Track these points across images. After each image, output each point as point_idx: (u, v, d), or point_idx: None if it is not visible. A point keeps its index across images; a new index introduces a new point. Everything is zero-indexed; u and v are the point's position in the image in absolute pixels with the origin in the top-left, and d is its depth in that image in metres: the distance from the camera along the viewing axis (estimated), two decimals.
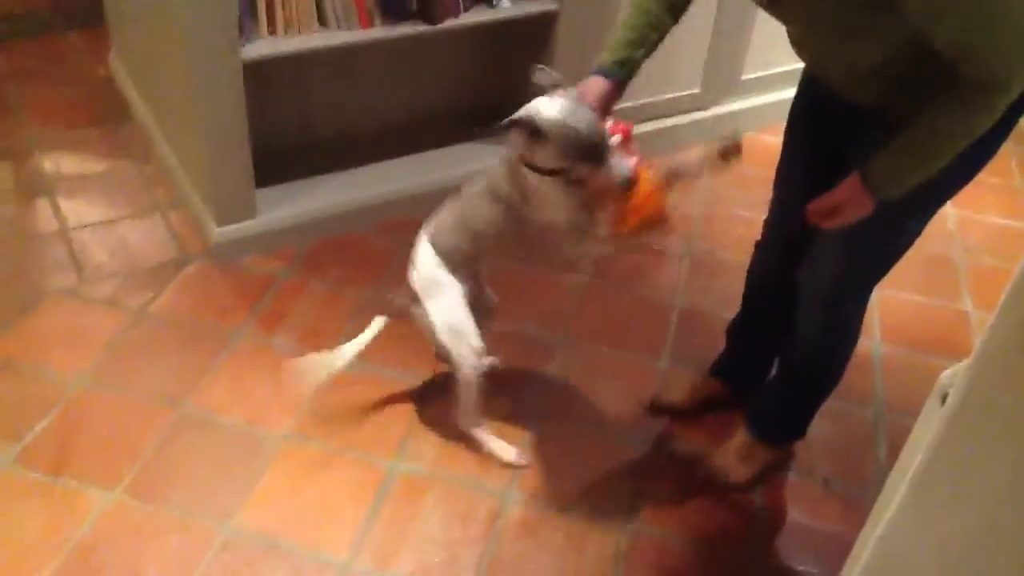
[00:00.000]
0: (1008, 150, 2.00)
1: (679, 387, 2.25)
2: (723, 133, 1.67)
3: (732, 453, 2.06)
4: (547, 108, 1.58)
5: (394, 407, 2.17)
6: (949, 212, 3.04)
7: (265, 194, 2.60)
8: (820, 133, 1.77)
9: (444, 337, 1.90)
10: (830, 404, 2.02)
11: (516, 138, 1.64)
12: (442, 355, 1.96)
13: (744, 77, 3.29)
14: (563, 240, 1.72)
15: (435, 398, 2.17)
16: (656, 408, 2.22)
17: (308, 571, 1.80)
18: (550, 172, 1.65)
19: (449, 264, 1.89)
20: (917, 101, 1.40)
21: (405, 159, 2.87)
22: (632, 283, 2.63)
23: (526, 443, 2.11)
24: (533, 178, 1.68)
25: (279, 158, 2.73)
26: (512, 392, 2.24)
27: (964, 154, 1.41)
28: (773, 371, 2.08)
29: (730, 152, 1.65)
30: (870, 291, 1.81)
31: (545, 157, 1.62)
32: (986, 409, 0.97)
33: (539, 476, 2.04)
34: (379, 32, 2.51)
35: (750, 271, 2.10)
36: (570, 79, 1.69)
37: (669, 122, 3.21)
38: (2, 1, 3.72)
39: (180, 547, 1.81)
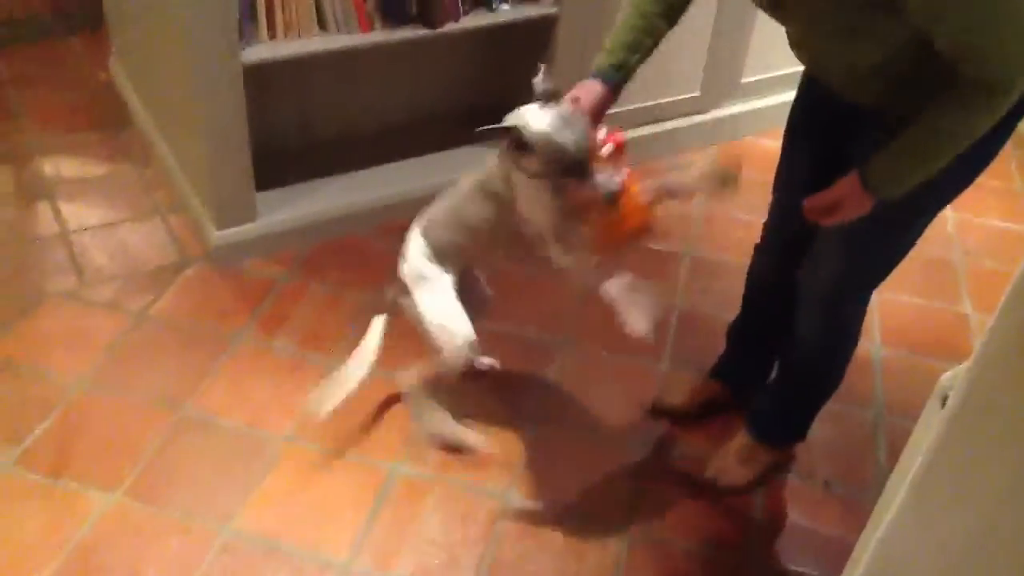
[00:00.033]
0: (1008, 153, 2.01)
1: (679, 389, 2.25)
2: (723, 162, 1.67)
3: (732, 455, 2.06)
4: (536, 119, 1.56)
5: (395, 409, 2.16)
6: (949, 215, 3.04)
7: (265, 197, 2.60)
8: (820, 135, 1.77)
9: (431, 327, 1.88)
10: (830, 406, 2.02)
11: (502, 144, 1.62)
12: (430, 345, 1.93)
13: (744, 80, 3.29)
14: (550, 247, 1.70)
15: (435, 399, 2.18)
16: (656, 411, 2.22)
17: (309, 573, 1.80)
18: (537, 175, 1.64)
19: (441, 257, 1.87)
20: (917, 101, 1.40)
21: (405, 162, 2.88)
22: None
23: (526, 445, 2.11)
24: (521, 179, 1.67)
25: (279, 161, 2.73)
26: (512, 395, 2.25)
27: (964, 156, 1.41)
28: (773, 373, 2.09)
29: (728, 180, 1.65)
30: (870, 293, 1.82)
31: (530, 166, 1.61)
32: (986, 411, 0.97)
33: (539, 478, 2.04)
34: (379, 36, 2.51)
35: (750, 273, 2.10)
36: (570, 83, 1.69)
37: (668, 125, 3.21)
38: (2, 6, 3.72)
39: (180, 549, 1.81)
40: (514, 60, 2.87)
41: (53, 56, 3.51)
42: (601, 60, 1.67)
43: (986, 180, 1.61)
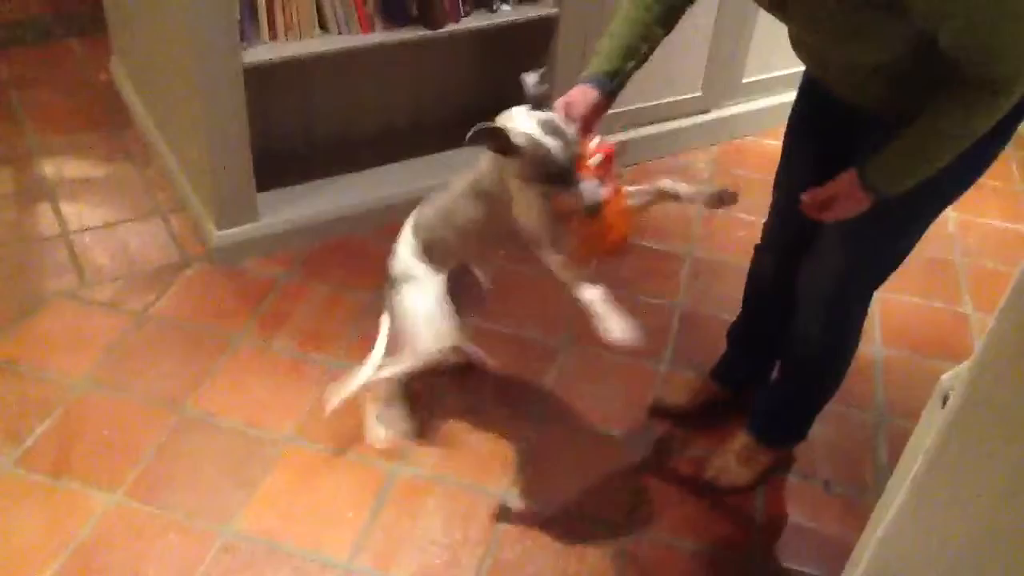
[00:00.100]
0: (1008, 154, 2.01)
1: (680, 390, 2.25)
2: (722, 184, 1.66)
3: (733, 455, 2.06)
4: (523, 123, 1.53)
5: None
6: (950, 215, 3.04)
7: (266, 197, 2.61)
8: (821, 135, 1.77)
9: (408, 321, 1.87)
10: (831, 407, 2.02)
11: (489, 145, 1.58)
12: (403, 339, 1.92)
13: (745, 80, 3.29)
14: (542, 248, 1.69)
15: (436, 399, 2.18)
16: (657, 411, 2.22)
17: (309, 573, 1.80)
18: (522, 179, 1.62)
19: (431, 256, 1.87)
20: (918, 102, 1.40)
21: (406, 163, 2.88)
22: (633, 286, 2.63)
23: (526, 446, 2.11)
24: (512, 180, 1.66)
25: (280, 161, 2.74)
26: (512, 395, 2.25)
27: (965, 158, 1.42)
28: (774, 373, 2.09)
29: (725, 200, 1.64)
30: (871, 293, 1.81)
31: (514, 169, 1.59)
32: (987, 411, 0.98)
33: (540, 479, 2.04)
34: (379, 37, 2.51)
35: (750, 274, 2.10)
36: (570, 84, 1.67)
37: (670, 125, 3.22)
38: (3, 8, 3.73)
39: (181, 549, 1.81)
40: (515, 61, 2.86)
41: (54, 57, 3.52)
42: (595, 66, 1.62)
43: (986, 180, 1.61)
